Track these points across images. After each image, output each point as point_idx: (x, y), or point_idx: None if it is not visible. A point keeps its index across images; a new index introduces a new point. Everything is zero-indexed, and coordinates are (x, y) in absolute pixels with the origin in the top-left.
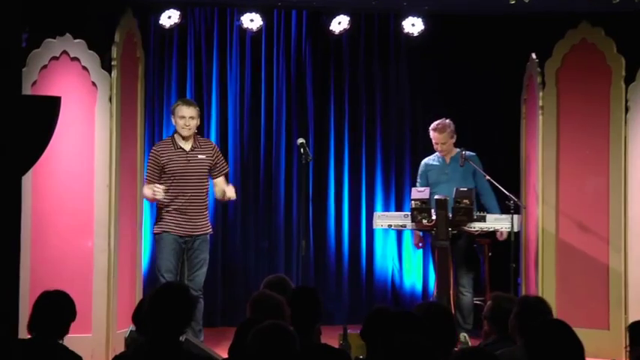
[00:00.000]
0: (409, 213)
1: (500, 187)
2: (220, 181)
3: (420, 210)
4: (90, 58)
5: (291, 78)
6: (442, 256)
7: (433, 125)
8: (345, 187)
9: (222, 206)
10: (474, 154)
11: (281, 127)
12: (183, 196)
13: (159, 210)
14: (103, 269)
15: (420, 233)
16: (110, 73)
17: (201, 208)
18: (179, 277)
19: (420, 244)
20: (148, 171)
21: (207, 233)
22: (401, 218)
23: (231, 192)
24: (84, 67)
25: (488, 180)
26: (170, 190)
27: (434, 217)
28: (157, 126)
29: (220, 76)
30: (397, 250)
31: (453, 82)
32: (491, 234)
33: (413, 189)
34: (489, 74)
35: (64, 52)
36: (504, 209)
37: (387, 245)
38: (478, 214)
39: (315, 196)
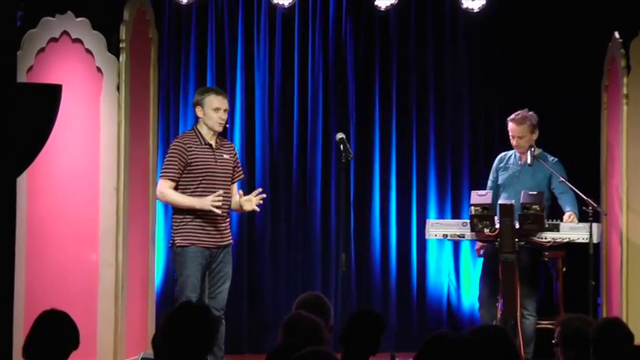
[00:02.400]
0: (468, 221)
1: (576, 190)
2: (233, 189)
3: (481, 217)
4: (94, 40)
5: (329, 63)
6: (507, 272)
7: (512, 116)
8: (392, 191)
9: (247, 214)
10: (556, 159)
11: (317, 120)
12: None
13: (180, 217)
14: (109, 286)
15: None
16: (118, 57)
17: (228, 215)
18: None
19: (482, 251)
20: (171, 167)
21: (231, 243)
22: (458, 227)
23: (250, 205)
24: (87, 50)
25: (563, 182)
26: (197, 194)
27: (497, 226)
28: (172, 118)
29: (246, 60)
30: (454, 264)
31: (519, 66)
32: (566, 246)
33: (473, 192)
34: (563, 57)
35: (65, 32)
36: (582, 216)
37: (442, 259)
38: (550, 222)
39: (358, 201)
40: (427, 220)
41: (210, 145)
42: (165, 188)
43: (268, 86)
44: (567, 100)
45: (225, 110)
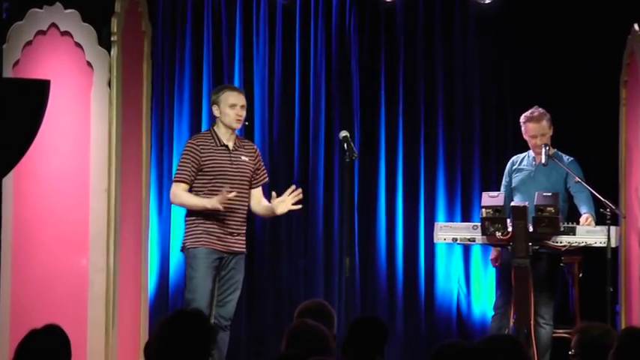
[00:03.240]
0: (479, 224)
1: (593, 191)
2: (258, 193)
3: (493, 220)
4: (84, 33)
5: (332, 57)
6: (521, 278)
7: (527, 115)
8: (398, 192)
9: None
10: (571, 158)
11: (319, 117)
12: (226, 204)
13: (192, 219)
14: (100, 293)
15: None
16: (109, 51)
17: (244, 220)
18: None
19: (497, 263)
20: (184, 169)
21: (244, 252)
22: (469, 230)
23: (284, 207)
24: (77, 44)
25: (580, 182)
26: (209, 197)
27: (510, 229)
28: (166, 116)
29: (245, 54)
30: (464, 269)
31: (533, 61)
32: (582, 250)
33: (484, 194)
34: (580, 51)
35: (53, 24)
36: (599, 219)
37: (452, 264)
38: (566, 225)
39: (362, 203)
40: (436, 223)
41: (227, 146)
42: (177, 190)
43: (268, 82)
44: (584, 96)
45: (242, 106)
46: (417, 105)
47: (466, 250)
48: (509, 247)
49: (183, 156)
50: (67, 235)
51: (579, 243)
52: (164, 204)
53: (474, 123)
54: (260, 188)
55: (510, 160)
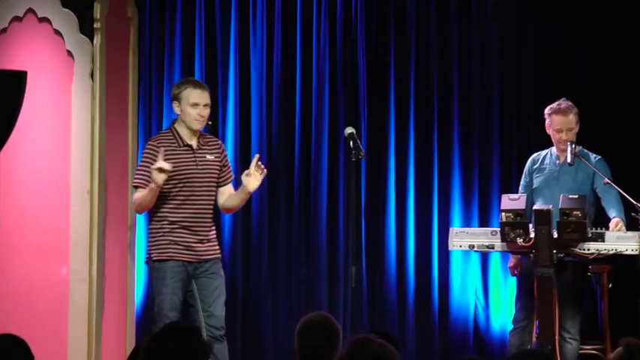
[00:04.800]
0: (498, 229)
1: (624, 193)
2: (229, 190)
3: (514, 225)
4: (64, 19)
5: (337, 46)
6: (544, 289)
7: (553, 107)
8: (409, 194)
9: (242, 222)
10: (599, 157)
11: (323, 113)
12: (192, 208)
13: (156, 228)
14: (82, 305)
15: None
16: (92, 39)
17: (211, 224)
18: (185, 317)
19: (517, 271)
20: (142, 174)
21: (218, 257)
22: (487, 236)
23: (254, 180)
24: (56, 31)
25: (609, 183)
26: (177, 201)
27: (532, 235)
28: (154, 110)
29: (241, 44)
30: (482, 279)
31: (558, 49)
32: (612, 258)
33: (504, 196)
34: (609, 39)
35: (30, 10)
36: (631, 224)
37: (468, 273)
38: (594, 230)
39: (370, 207)
40: (451, 229)
41: (190, 145)
42: (134, 199)
43: (266, 73)
44: (614, 89)
45: (205, 105)
46: (429, 98)
47: (484, 258)
48: (531, 255)
49: (143, 159)
50: (46, 242)
51: (609, 250)
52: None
53: (493, 118)
54: (230, 185)
55: (530, 158)
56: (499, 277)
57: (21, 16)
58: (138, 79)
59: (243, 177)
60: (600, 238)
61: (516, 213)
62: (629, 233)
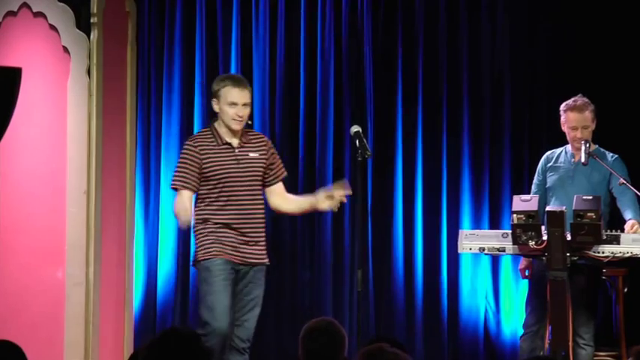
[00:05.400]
0: (509, 231)
1: (639, 194)
2: (279, 189)
3: (525, 227)
4: (60, 14)
5: (342, 41)
6: (557, 293)
7: (569, 103)
8: (418, 195)
9: None
10: (616, 156)
11: (328, 110)
12: (235, 209)
13: (201, 228)
14: (78, 309)
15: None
16: (89, 35)
17: (260, 226)
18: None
19: (527, 273)
20: (182, 174)
21: (265, 263)
22: (498, 239)
23: (329, 204)
24: (52, 27)
25: (624, 184)
26: (216, 203)
27: (545, 238)
28: (153, 108)
29: (243, 38)
30: (492, 283)
31: (572, 44)
32: (627, 261)
33: (515, 197)
34: (627, 32)
35: (25, 4)
36: None
37: (478, 277)
38: (609, 232)
39: (376, 208)
40: (460, 231)
41: (230, 144)
42: (177, 199)
43: (269, 69)
44: (632, 85)
45: (244, 105)
46: (438, 95)
47: (495, 261)
48: (544, 258)
49: (181, 160)
50: (41, 244)
51: (624, 253)
52: (151, 208)
53: (504, 116)
54: (280, 183)
55: (544, 156)
56: (510, 281)
57: (15, 10)
58: (136, 76)
59: (322, 194)
60: (615, 240)
61: (528, 214)
62: None
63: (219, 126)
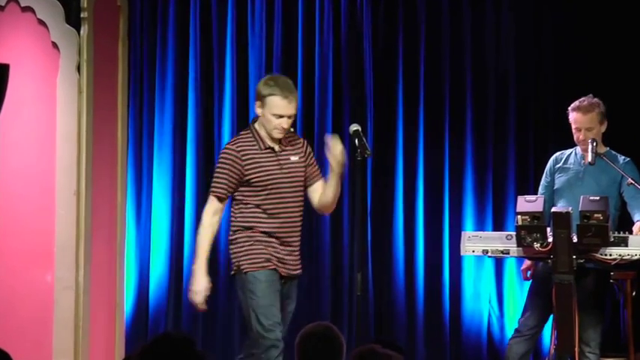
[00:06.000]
0: (513, 233)
1: None
2: (319, 186)
3: (530, 228)
4: (49, 8)
5: (341, 36)
6: (563, 296)
7: (576, 103)
8: (419, 196)
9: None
10: (628, 159)
11: (326, 108)
12: (282, 217)
13: (243, 237)
14: (67, 314)
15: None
16: (79, 30)
17: (300, 234)
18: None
19: (529, 274)
20: (220, 181)
21: (299, 274)
22: (502, 241)
23: (336, 152)
24: (41, 21)
25: (633, 185)
26: (263, 211)
27: (551, 240)
28: (146, 105)
29: (238, 35)
30: (496, 287)
31: (580, 42)
32: (636, 264)
33: (519, 198)
34: (638, 30)
35: None
36: None
37: (482, 280)
38: (616, 234)
39: (376, 209)
40: (463, 233)
41: (272, 148)
42: (208, 210)
43: (265, 64)
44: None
45: (289, 117)
46: (440, 93)
47: (498, 263)
48: (549, 261)
49: (220, 165)
50: (30, 247)
51: (632, 256)
52: (143, 209)
53: (509, 115)
54: (320, 181)
55: (553, 157)
56: (514, 285)
57: (3, 5)
58: (128, 73)
59: (330, 156)
60: (623, 242)
61: (533, 216)
62: None
63: (260, 129)
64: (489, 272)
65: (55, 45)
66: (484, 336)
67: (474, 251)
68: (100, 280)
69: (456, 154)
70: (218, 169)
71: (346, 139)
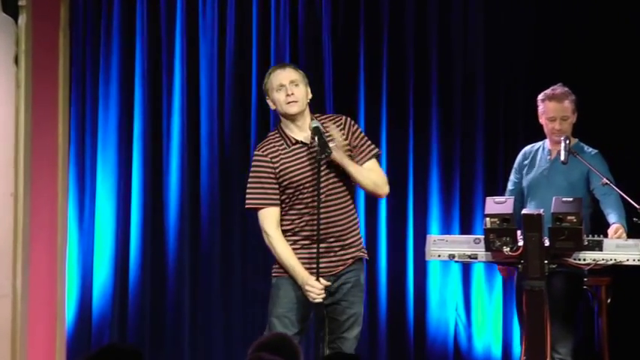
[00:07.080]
0: (482, 237)
1: (624, 195)
2: (372, 167)
3: (500, 232)
4: None
5: (298, 30)
6: (534, 304)
7: (547, 92)
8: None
9: (190, 227)
10: (595, 151)
11: None
12: (321, 214)
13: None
14: (4, 324)
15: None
16: (16, 19)
17: (350, 225)
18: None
19: (509, 272)
20: (256, 191)
21: (359, 257)
22: (469, 245)
23: (335, 134)
24: None
25: (608, 184)
26: (297, 212)
27: (521, 243)
28: (89, 100)
29: (188, 23)
30: (463, 294)
31: (552, 30)
32: (611, 269)
33: (488, 199)
34: (615, 18)
35: None
36: (632, 230)
37: (448, 286)
38: (591, 238)
39: None
40: (428, 236)
41: (302, 142)
42: (266, 225)
43: (218, 56)
44: (616, 77)
45: (292, 82)
46: (404, 87)
47: (466, 269)
48: (519, 266)
49: (252, 174)
50: None
51: (607, 260)
52: (85, 212)
53: (477, 110)
54: (373, 160)
55: (522, 152)
56: (483, 292)
57: None
58: (70, 65)
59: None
60: (598, 246)
61: (502, 218)
62: (631, 241)
63: (285, 126)
64: (456, 278)
65: None
66: (450, 346)
67: (439, 256)
68: (40, 288)
69: (420, 151)
70: (250, 180)
71: None
